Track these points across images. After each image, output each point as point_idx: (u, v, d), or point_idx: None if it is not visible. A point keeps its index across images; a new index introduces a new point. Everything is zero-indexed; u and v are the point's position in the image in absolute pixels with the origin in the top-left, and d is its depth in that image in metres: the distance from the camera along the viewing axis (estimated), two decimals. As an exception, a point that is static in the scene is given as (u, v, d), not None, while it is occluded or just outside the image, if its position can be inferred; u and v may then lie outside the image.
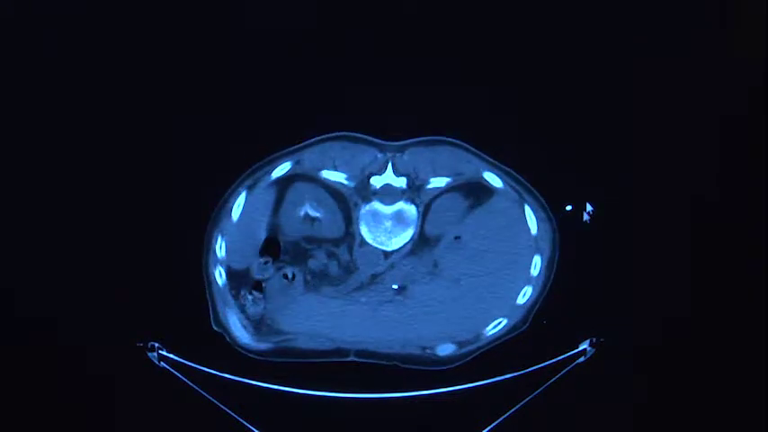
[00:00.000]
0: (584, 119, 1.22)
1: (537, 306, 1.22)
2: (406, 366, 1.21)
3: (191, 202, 1.21)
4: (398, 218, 1.20)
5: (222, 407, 1.19)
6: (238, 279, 1.21)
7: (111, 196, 1.21)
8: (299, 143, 1.20)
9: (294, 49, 1.20)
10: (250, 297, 1.21)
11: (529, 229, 1.21)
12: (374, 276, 1.21)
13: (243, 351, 1.21)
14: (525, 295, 1.22)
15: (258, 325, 1.21)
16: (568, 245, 1.21)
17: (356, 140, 1.21)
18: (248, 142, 1.21)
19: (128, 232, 1.20)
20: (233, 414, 1.19)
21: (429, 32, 1.22)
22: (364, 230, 1.21)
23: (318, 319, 1.21)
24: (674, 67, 1.23)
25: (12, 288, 1.21)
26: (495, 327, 1.21)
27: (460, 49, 1.21)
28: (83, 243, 1.21)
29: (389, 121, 1.20)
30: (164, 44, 1.20)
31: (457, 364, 1.21)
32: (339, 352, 1.22)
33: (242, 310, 1.21)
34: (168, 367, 1.20)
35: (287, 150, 1.21)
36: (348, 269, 1.21)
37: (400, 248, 1.21)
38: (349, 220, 1.21)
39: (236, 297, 1.21)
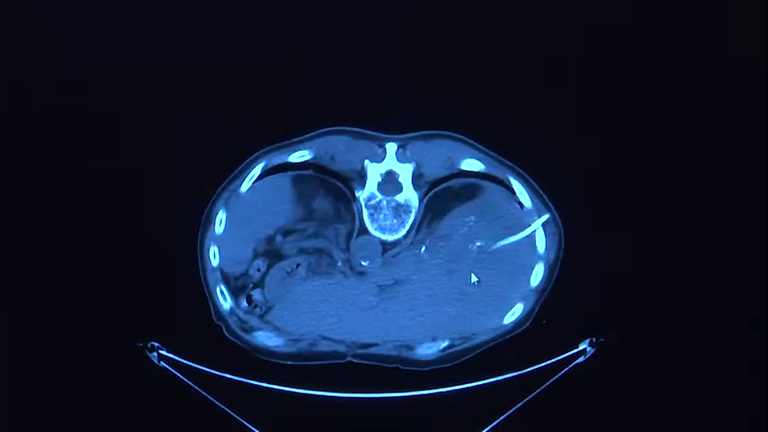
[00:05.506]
0: (585, 119, 1.23)
1: (540, 304, 1.22)
2: (407, 368, 1.21)
3: (190, 202, 1.21)
4: (399, 209, 1.21)
5: (222, 407, 1.19)
6: (236, 278, 1.22)
7: (111, 196, 1.21)
8: (302, 136, 1.22)
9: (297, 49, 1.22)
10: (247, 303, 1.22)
11: (530, 226, 1.22)
12: (371, 269, 1.21)
13: (238, 343, 1.22)
14: (533, 288, 1.22)
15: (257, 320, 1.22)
16: (569, 244, 1.22)
17: (357, 134, 1.22)
18: (249, 139, 1.21)
19: (128, 232, 1.21)
20: (233, 414, 1.19)
21: (429, 32, 1.22)
22: (366, 221, 1.21)
23: (316, 313, 1.21)
24: (674, 66, 1.23)
25: (12, 287, 1.22)
26: (495, 325, 1.22)
27: (461, 46, 1.22)
28: (82, 243, 1.21)
29: (390, 115, 1.21)
30: (169, 40, 1.21)
31: (452, 363, 1.21)
32: (337, 351, 1.22)
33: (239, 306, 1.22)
34: (168, 367, 1.20)
35: (287, 143, 1.22)
36: (346, 261, 1.22)
37: (399, 240, 1.21)
38: (350, 211, 1.22)
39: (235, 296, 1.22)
